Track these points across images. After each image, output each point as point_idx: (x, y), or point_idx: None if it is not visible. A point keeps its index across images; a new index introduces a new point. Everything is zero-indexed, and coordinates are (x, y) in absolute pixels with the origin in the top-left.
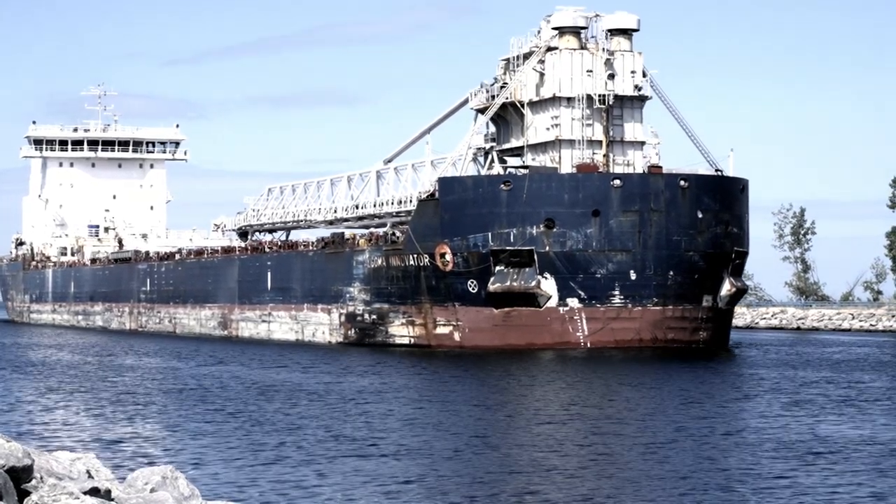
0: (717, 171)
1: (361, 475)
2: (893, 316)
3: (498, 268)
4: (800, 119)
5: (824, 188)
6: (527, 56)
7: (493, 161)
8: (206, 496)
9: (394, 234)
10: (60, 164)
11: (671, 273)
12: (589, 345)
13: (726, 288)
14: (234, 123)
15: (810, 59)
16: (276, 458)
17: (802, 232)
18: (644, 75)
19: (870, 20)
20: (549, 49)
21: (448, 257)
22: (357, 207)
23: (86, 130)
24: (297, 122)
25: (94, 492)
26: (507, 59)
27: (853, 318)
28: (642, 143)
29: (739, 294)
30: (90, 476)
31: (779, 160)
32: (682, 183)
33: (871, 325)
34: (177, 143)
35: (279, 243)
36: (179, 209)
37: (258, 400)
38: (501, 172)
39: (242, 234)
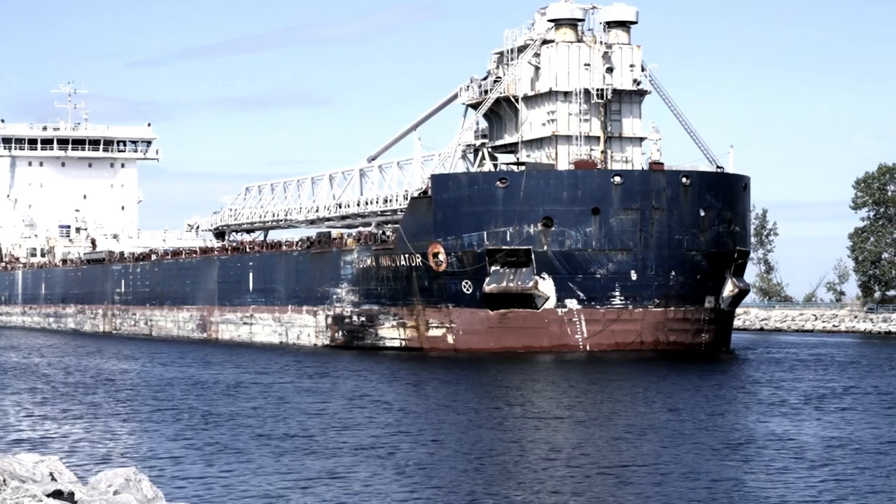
0: (717, 167)
1: (323, 475)
2: (856, 317)
3: (494, 268)
4: (765, 119)
5: (787, 189)
6: (521, 49)
7: (483, 158)
8: (169, 498)
9: (384, 233)
10: (30, 164)
11: (673, 273)
12: (588, 347)
13: (729, 288)
14: (200, 125)
15: (782, 59)
16: (240, 459)
17: (765, 233)
18: (643, 69)
19: (842, 22)
20: (545, 42)
21: (441, 257)
22: (340, 206)
23: (55, 129)
24: (265, 123)
25: (57, 494)
26: (501, 53)
27: (816, 318)
28: (641, 139)
29: (742, 295)
30: (53, 478)
31: (751, 160)
32: (684, 180)
33: (833, 325)
34: (148, 142)
35: (261, 243)
36: (147, 210)
37: (225, 402)
38: (492, 169)
39: (219, 234)
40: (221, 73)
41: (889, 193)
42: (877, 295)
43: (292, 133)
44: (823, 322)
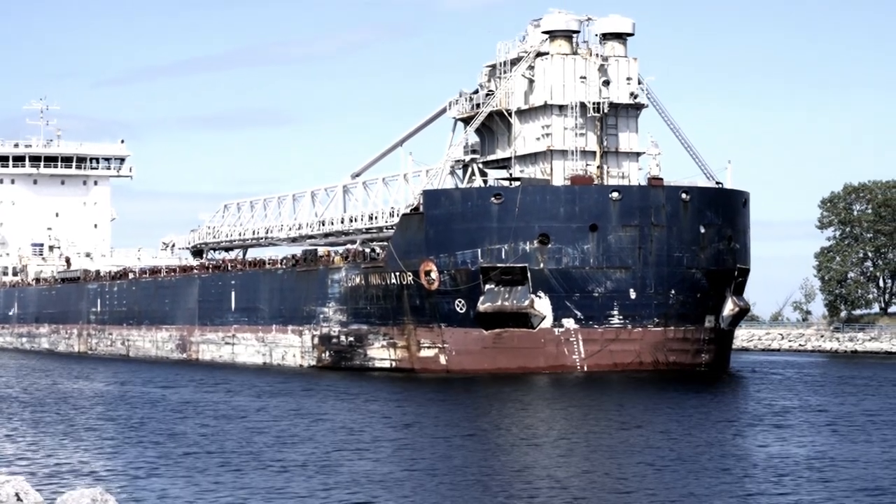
0: (717, 183)
1: (280, 492)
2: (822, 336)
3: (488, 286)
4: (735, 136)
5: (753, 208)
6: (514, 62)
7: (473, 174)
8: None
9: (373, 250)
10: (1, 181)
11: (673, 292)
12: (586, 368)
13: (729, 308)
14: (169, 144)
15: (768, 74)
16: (205, 478)
17: None
18: (639, 82)
19: (834, 34)
20: (539, 54)
21: (433, 275)
22: (323, 224)
23: (27, 146)
24: (236, 141)
25: None
26: (493, 66)
27: (782, 338)
28: (638, 154)
29: (742, 314)
30: (19, 499)
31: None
32: (683, 196)
33: (799, 345)
34: (121, 160)
35: (244, 261)
36: (117, 229)
37: (189, 421)
38: (483, 185)
39: (197, 252)
40: (190, 91)
41: (855, 213)
42: (843, 314)
43: (265, 152)
44: (790, 341)
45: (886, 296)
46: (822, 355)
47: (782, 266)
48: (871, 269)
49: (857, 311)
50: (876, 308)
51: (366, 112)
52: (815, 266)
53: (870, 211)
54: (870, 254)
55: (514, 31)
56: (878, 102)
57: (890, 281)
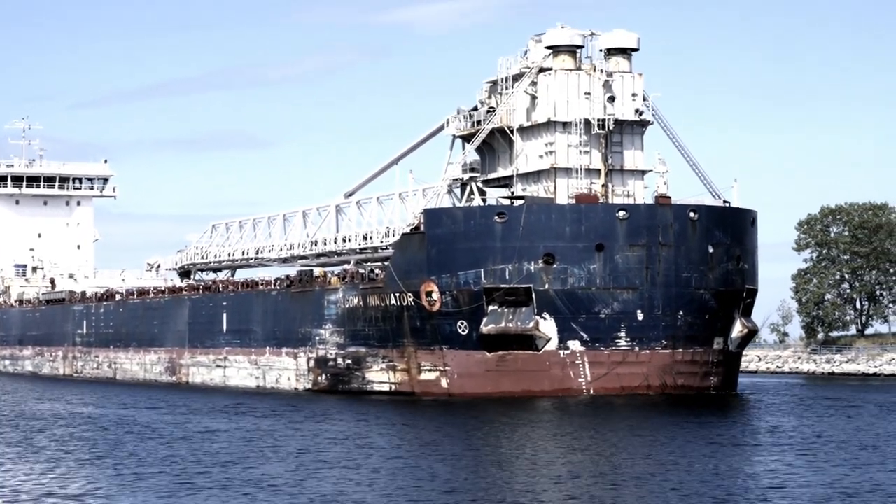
0: (724, 202)
1: None
2: (799, 358)
3: (491, 307)
4: (722, 154)
5: None
6: (516, 78)
7: (472, 192)
8: None
9: (372, 270)
10: None
11: (681, 313)
12: (592, 392)
13: (737, 329)
14: (149, 166)
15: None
16: (180, 500)
17: None
18: (644, 99)
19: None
20: (542, 70)
21: (435, 296)
22: (315, 244)
23: (9, 166)
24: (215, 163)
25: None
26: (494, 82)
27: (759, 360)
28: (643, 172)
29: (751, 336)
30: None
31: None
32: (691, 215)
33: (777, 367)
34: (105, 179)
35: (235, 282)
36: (99, 250)
37: (183, 449)
38: (482, 204)
39: (184, 273)
40: (170, 114)
41: (832, 235)
42: (820, 336)
43: (251, 173)
44: (767, 363)
45: (863, 318)
46: (799, 377)
47: (760, 288)
48: (848, 291)
49: (835, 333)
50: (853, 330)
51: (349, 134)
52: (793, 288)
53: (847, 233)
54: (847, 276)
55: (495, 52)
56: (856, 125)
57: (867, 303)
